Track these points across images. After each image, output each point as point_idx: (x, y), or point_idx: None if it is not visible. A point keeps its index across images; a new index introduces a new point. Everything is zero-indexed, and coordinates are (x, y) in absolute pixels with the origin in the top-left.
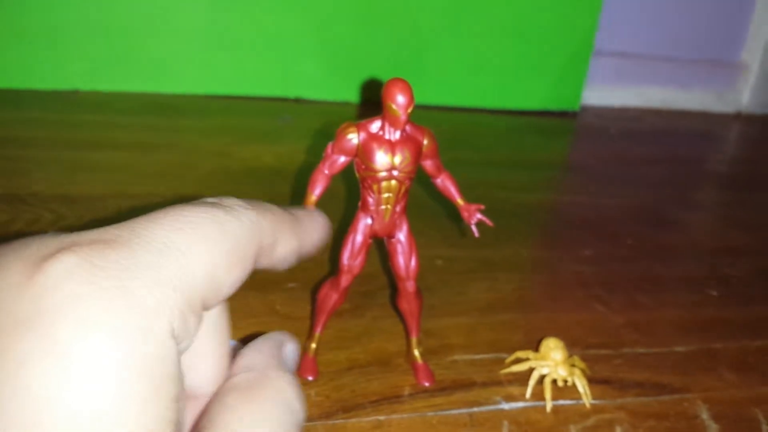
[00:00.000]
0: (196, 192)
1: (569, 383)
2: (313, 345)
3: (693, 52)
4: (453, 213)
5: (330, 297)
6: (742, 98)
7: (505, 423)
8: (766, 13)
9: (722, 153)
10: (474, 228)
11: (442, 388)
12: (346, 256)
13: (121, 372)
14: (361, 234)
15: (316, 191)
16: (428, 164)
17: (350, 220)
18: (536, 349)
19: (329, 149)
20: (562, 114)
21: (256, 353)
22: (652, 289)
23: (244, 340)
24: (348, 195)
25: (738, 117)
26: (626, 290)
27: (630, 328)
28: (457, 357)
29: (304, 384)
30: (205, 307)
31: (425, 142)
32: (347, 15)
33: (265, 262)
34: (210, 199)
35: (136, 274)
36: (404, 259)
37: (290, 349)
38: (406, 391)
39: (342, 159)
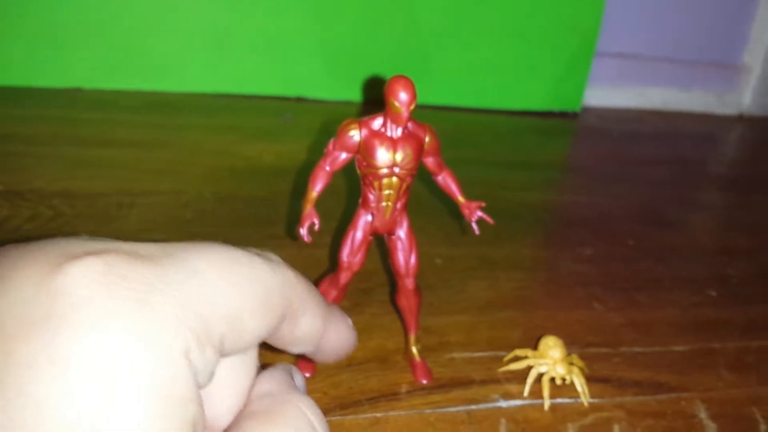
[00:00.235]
0: (197, 190)
1: (567, 381)
2: None
3: (695, 53)
4: (454, 211)
5: (329, 293)
6: (744, 100)
7: (503, 421)
8: None
9: (723, 154)
10: (474, 225)
11: (440, 386)
12: (345, 253)
13: (128, 390)
14: (362, 231)
15: (316, 188)
16: (430, 161)
17: (351, 216)
18: (535, 347)
19: (331, 146)
20: (563, 114)
21: (271, 381)
22: (652, 289)
23: None
24: (349, 192)
25: (740, 119)
26: (625, 290)
27: (629, 327)
28: (455, 355)
29: None
30: (223, 348)
31: (427, 139)
32: (349, 15)
33: (286, 331)
34: (254, 249)
35: (160, 290)
36: (404, 256)
37: (299, 378)
38: (404, 388)
39: (343, 156)
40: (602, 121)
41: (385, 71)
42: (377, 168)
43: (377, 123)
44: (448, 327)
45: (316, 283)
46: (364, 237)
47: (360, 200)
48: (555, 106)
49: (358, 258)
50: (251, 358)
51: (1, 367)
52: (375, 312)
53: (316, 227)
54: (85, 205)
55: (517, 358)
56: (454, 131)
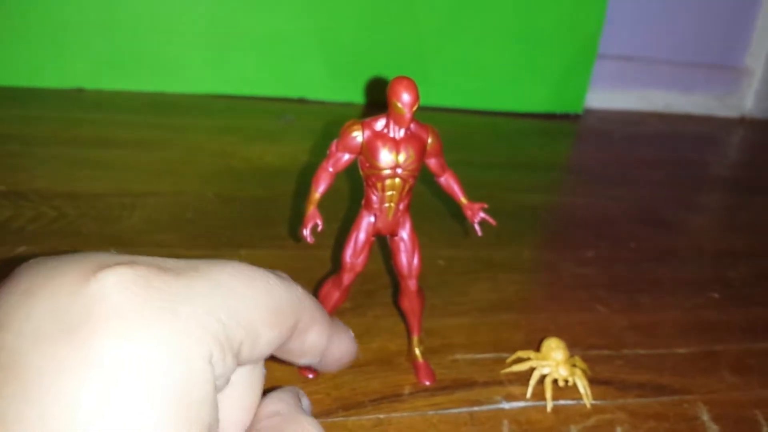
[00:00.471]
0: (199, 190)
1: (570, 383)
2: None
3: (697, 56)
4: (456, 213)
5: (332, 295)
6: (746, 103)
7: (506, 422)
8: None
9: (725, 157)
10: (477, 227)
11: (443, 387)
12: (348, 254)
13: (155, 393)
14: (364, 232)
15: (319, 189)
16: (432, 162)
17: (353, 217)
18: (537, 349)
19: (333, 147)
20: (565, 116)
21: (280, 401)
22: (654, 291)
23: None
24: (351, 193)
25: (741, 121)
26: (628, 292)
27: (631, 329)
28: (458, 356)
29: (305, 382)
30: (240, 356)
31: (429, 140)
32: (351, 16)
33: (296, 343)
34: (266, 269)
35: (188, 300)
36: (407, 257)
37: (305, 402)
38: (407, 389)
39: (346, 157)
40: (604, 123)
41: (387, 73)
42: (380, 169)
43: (380, 124)
44: (450, 329)
45: (319, 284)
46: (367, 238)
47: (363, 201)
48: (557, 108)
49: (361, 259)
50: (259, 374)
51: (38, 368)
52: (378, 314)
53: (320, 228)
54: (87, 206)
55: (519, 360)
56: (456, 133)
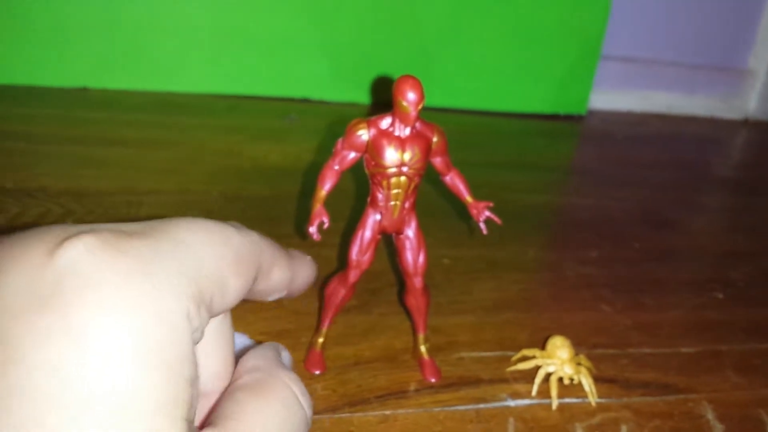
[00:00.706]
0: (203, 189)
1: (575, 381)
2: (321, 340)
3: (700, 57)
4: (461, 212)
5: (338, 292)
6: (749, 104)
7: (511, 420)
8: None
9: (728, 158)
10: (482, 225)
11: (449, 385)
12: (354, 252)
13: (137, 352)
14: (370, 230)
15: (325, 187)
16: (437, 161)
17: (359, 216)
18: (542, 347)
19: (339, 145)
20: (569, 117)
21: (260, 357)
22: (658, 291)
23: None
24: (357, 191)
25: (745, 123)
26: (632, 292)
27: (635, 328)
28: (463, 354)
29: (310, 378)
30: (212, 307)
31: (435, 139)
32: (354, 16)
33: (262, 285)
34: (221, 221)
35: (155, 260)
36: (412, 255)
37: (285, 356)
38: (413, 386)
39: (352, 155)
40: (607, 124)
41: (390, 73)
42: (385, 167)
43: (385, 122)
44: (455, 327)
45: (326, 282)
46: (373, 236)
47: (368, 199)
48: (560, 109)
49: (367, 257)
50: (229, 323)
51: (20, 338)
52: (383, 311)
53: (326, 225)
54: (93, 204)
55: (525, 358)
56: (460, 134)
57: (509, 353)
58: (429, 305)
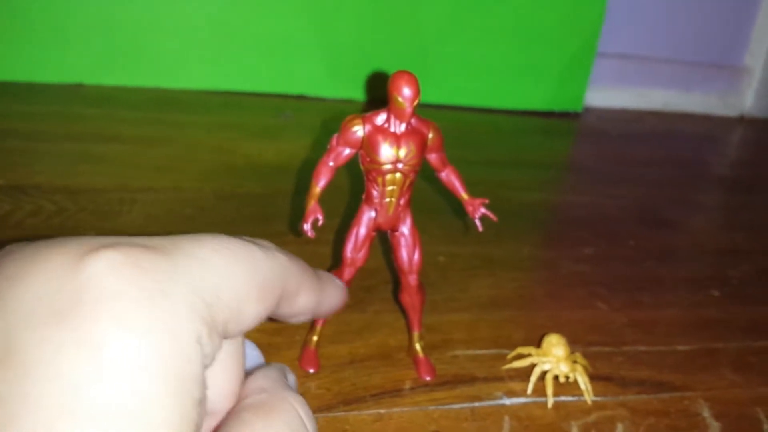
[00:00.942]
0: (198, 187)
1: (571, 380)
2: (315, 338)
3: (696, 54)
4: (457, 209)
5: None
6: (745, 101)
7: (507, 418)
8: None
9: (724, 155)
10: (478, 222)
11: (444, 383)
12: (349, 249)
13: (150, 369)
14: (365, 227)
15: (320, 183)
16: (433, 158)
17: (354, 212)
18: (538, 345)
19: (334, 141)
20: (565, 115)
21: (266, 378)
22: (654, 289)
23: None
24: (352, 188)
25: (741, 120)
26: (627, 289)
27: (631, 326)
28: (458, 352)
29: (305, 376)
30: (227, 332)
31: (430, 135)
32: (350, 13)
33: (285, 309)
34: (247, 238)
35: (175, 279)
36: (407, 252)
37: (291, 378)
38: (408, 385)
39: (347, 151)
40: (603, 121)
41: (387, 70)
42: (381, 164)
43: (381, 119)
44: (450, 325)
45: None
46: (368, 233)
47: (363, 196)
48: (556, 107)
49: (362, 254)
50: (242, 343)
51: (33, 351)
52: (378, 309)
53: (320, 223)
54: (86, 201)
55: (520, 356)
56: (456, 131)
57: (505, 351)
58: (424, 303)
